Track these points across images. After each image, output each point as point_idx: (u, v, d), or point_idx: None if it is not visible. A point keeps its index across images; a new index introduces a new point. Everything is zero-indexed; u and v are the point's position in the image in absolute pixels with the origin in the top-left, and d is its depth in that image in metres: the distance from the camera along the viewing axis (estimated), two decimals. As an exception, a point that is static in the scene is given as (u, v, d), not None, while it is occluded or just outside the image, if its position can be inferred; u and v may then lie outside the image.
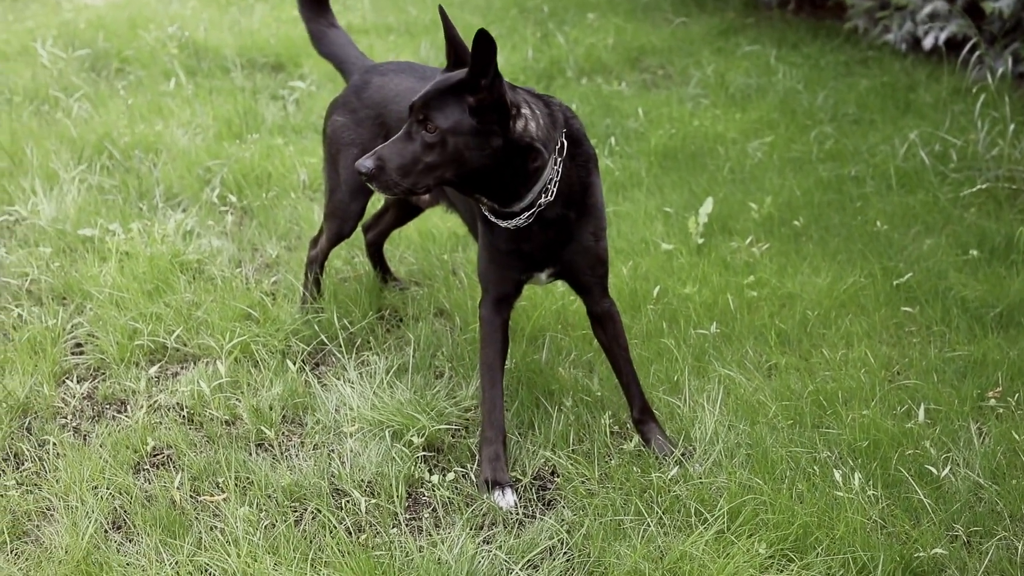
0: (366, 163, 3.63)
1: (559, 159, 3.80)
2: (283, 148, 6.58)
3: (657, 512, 3.73)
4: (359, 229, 5.12)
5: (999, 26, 7.65)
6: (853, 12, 8.87)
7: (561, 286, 4.89)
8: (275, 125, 7.00)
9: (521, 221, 3.82)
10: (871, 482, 3.86)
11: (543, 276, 4.05)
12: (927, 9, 8.18)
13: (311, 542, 3.63)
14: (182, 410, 4.41)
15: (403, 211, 5.15)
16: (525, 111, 3.70)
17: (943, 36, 8.09)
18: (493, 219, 3.87)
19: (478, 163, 3.64)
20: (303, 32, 8.40)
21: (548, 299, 5.02)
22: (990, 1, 7.43)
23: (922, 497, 3.76)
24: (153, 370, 4.62)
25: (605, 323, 4.14)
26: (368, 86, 4.62)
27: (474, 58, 3.54)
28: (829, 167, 6.51)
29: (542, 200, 3.79)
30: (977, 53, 7.56)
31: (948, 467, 3.90)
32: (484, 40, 3.47)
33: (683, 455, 4.05)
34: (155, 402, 4.44)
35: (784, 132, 7.03)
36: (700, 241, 5.62)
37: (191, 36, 8.35)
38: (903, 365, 4.66)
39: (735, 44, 8.83)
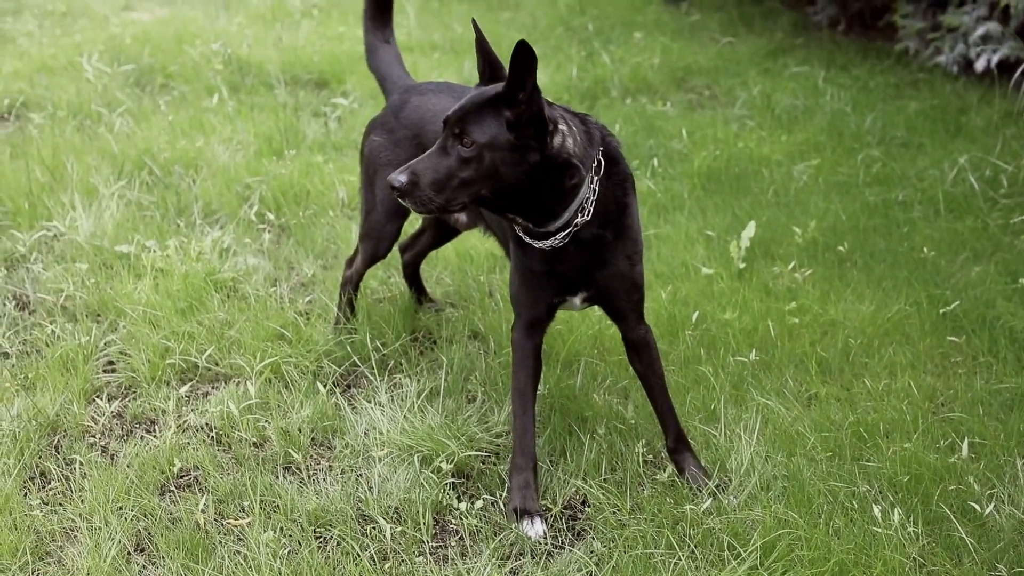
0: (399, 178, 3.54)
1: (595, 178, 3.72)
2: (323, 166, 6.55)
3: (689, 545, 3.63)
4: (395, 250, 5.07)
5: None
6: (904, 33, 8.73)
7: (597, 310, 4.80)
8: (315, 142, 6.97)
9: (556, 241, 3.74)
10: (911, 518, 3.75)
11: (577, 301, 3.96)
12: (980, 31, 8.03)
13: (335, 569, 3.57)
14: (211, 431, 4.36)
15: (440, 232, 5.10)
16: (562, 127, 3.62)
17: (995, 58, 7.94)
18: (527, 239, 3.79)
19: (514, 179, 3.56)
20: (347, 49, 8.45)
21: (584, 324, 4.95)
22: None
23: (964, 535, 3.64)
24: (184, 389, 4.59)
25: (641, 350, 4.05)
26: (406, 106, 4.56)
27: (512, 71, 3.46)
28: (876, 191, 6.39)
29: (578, 220, 3.71)
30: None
31: (992, 504, 3.79)
32: (524, 52, 3.39)
33: (718, 486, 3.95)
34: (184, 422, 4.40)
35: (830, 155, 6.92)
36: (742, 266, 5.52)
37: (235, 52, 8.35)
38: (948, 397, 4.54)
39: (783, 65, 8.71)
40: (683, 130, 7.21)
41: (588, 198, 3.71)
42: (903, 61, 8.74)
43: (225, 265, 5.39)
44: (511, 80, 3.49)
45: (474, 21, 3.77)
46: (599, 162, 3.74)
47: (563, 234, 3.72)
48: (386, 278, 5.44)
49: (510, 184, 3.57)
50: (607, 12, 10.41)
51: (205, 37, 8.91)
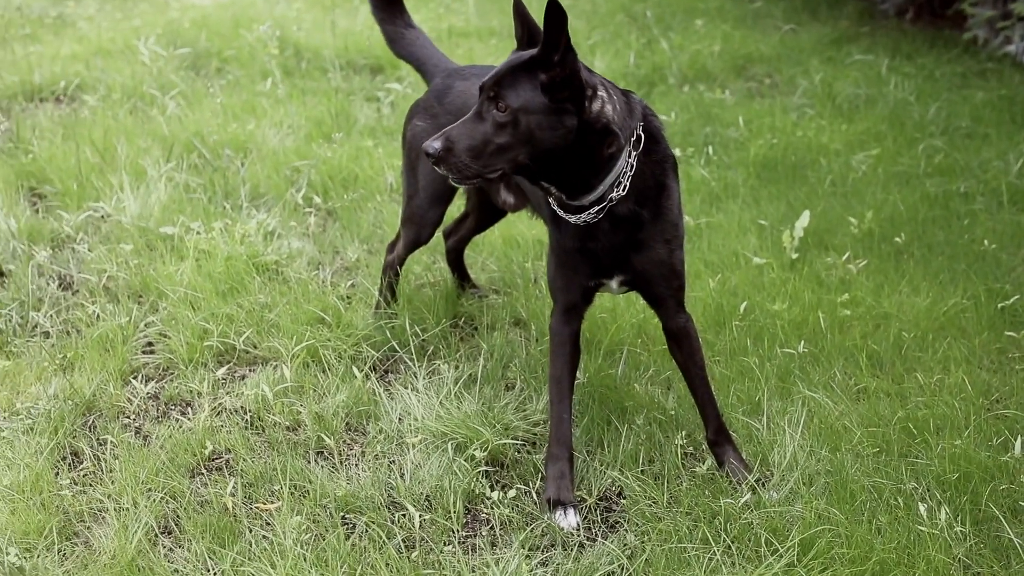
0: (434, 144, 3.44)
1: (634, 153, 3.61)
2: (372, 150, 6.49)
3: (725, 540, 3.52)
4: (439, 235, 4.99)
5: None
6: (973, 22, 8.51)
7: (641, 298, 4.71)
8: (366, 127, 6.92)
9: (591, 216, 3.63)
10: (959, 518, 3.60)
11: (614, 284, 3.85)
12: (1051, 19, 7.81)
13: (360, 556, 3.50)
14: (245, 414, 4.31)
15: (485, 216, 5.01)
16: (602, 93, 3.52)
17: (1067, 48, 7.72)
18: (562, 213, 3.69)
19: (551, 144, 3.46)
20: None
21: (629, 311, 4.84)
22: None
23: (1013, 537, 3.50)
24: (221, 372, 4.55)
25: (681, 340, 3.94)
26: (450, 91, 4.47)
27: (545, 32, 3.37)
28: (936, 182, 6.21)
29: (613, 194, 3.60)
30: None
31: (1045, 505, 3.64)
32: (555, 11, 3.30)
33: (758, 480, 3.83)
34: (219, 405, 4.36)
35: (891, 145, 6.74)
36: (794, 256, 5.37)
37: (292, 37, 8.32)
38: (1003, 393, 4.38)
39: (846, 53, 8.53)
40: (740, 118, 7.07)
41: (625, 172, 3.60)
42: (971, 51, 8.52)
43: (269, 248, 5.35)
44: (545, 42, 3.40)
45: None
46: (639, 137, 3.63)
47: (598, 208, 3.61)
48: (430, 263, 5.37)
49: (547, 149, 3.47)
50: (668, -1, 10.28)
51: (263, 21, 8.88)
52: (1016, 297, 4.94)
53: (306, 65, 8.05)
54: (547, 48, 3.40)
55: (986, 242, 5.47)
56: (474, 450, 3.93)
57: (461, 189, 4.79)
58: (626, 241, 3.71)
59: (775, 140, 6.75)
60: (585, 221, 3.64)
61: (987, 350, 4.67)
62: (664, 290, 3.84)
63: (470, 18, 9.50)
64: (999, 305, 4.93)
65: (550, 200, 3.71)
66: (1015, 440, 3.97)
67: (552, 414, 3.86)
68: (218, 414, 4.31)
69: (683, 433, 4.04)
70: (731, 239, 5.58)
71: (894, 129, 6.99)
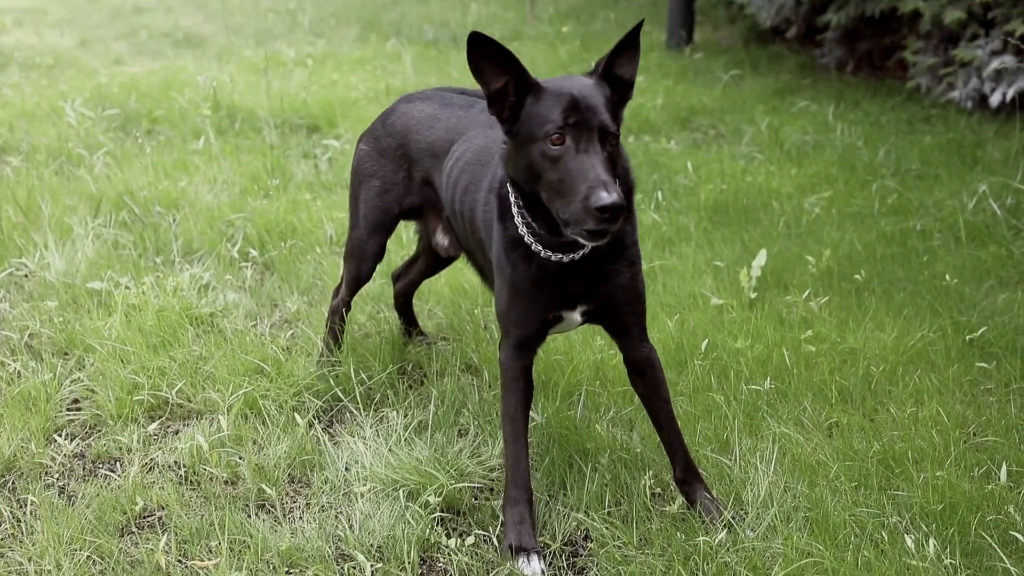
0: (615, 198, 3.02)
1: None
2: (311, 203, 6.23)
3: (702, 581, 3.26)
4: (389, 280, 4.74)
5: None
6: (915, 70, 8.46)
7: (596, 334, 4.47)
8: (304, 182, 6.67)
9: (587, 250, 3.40)
10: (948, 549, 3.37)
11: (577, 316, 3.59)
12: (994, 64, 7.75)
13: (307, 612, 3.20)
14: (179, 469, 4.00)
15: (435, 259, 4.77)
16: None
17: (1011, 92, 7.65)
18: (545, 253, 3.42)
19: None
20: (340, 94, 8.19)
21: (585, 352, 4.60)
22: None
23: (1008, 566, 3.27)
24: (152, 427, 4.23)
25: (644, 371, 3.69)
26: (394, 112, 4.29)
27: (624, 66, 3.30)
28: (892, 221, 6.06)
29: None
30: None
31: (1036, 533, 3.42)
32: (634, 43, 3.29)
33: (733, 518, 3.57)
34: (150, 460, 4.04)
35: (843, 187, 6.60)
36: (753, 295, 5.17)
37: (226, 99, 8.09)
38: (980, 424, 4.17)
39: (790, 103, 8.43)
40: (688, 164, 6.91)
41: None
42: (914, 98, 8.46)
43: (203, 301, 5.06)
44: (626, 80, 3.32)
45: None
46: None
47: (593, 244, 3.27)
48: (374, 313, 5.11)
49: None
50: (608, 58, 10.15)
51: (195, 85, 8.64)
52: (984, 329, 4.77)
53: (240, 125, 7.79)
54: (626, 86, 3.28)
55: (947, 277, 5.30)
56: (428, 496, 3.65)
57: (405, 223, 4.56)
58: (598, 271, 3.48)
59: (724, 185, 6.58)
60: (572, 258, 3.41)
61: (959, 382, 4.48)
62: (630, 317, 3.61)
63: (407, 77, 9.32)
64: (967, 337, 4.75)
65: (528, 241, 3.44)
66: (998, 469, 3.77)
67: (508, 454, 3.58)
68: (150, 470, 4.00)
69: (650, 473, 3.79)
70: (687, 281, 5.38)
71: (845, 172, 6.86)
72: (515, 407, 3.60)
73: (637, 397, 3.85)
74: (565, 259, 3.42)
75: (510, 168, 3.33)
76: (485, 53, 3.22)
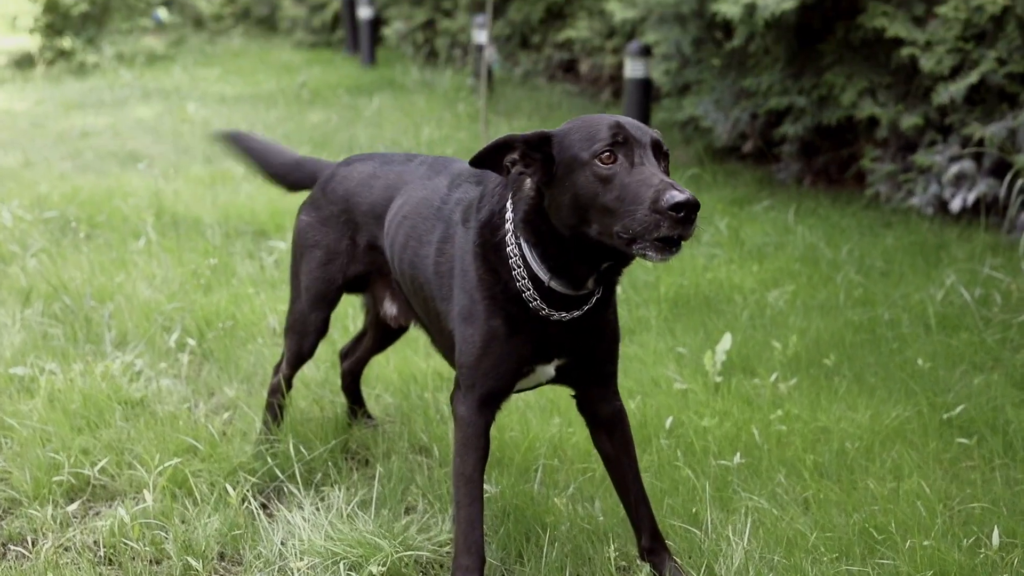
0: (689, 194, 2.84)
1: None
2: (253, 296, 5.94)
3: (674, 650, 2.94)
4: (336, 357, 4.45)
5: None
6: (874, 177, 8.35)
7: (555, 411, 4.19)
8: (247, 277, 6.38)
9: (591, 304, 3.22)
10: (942, 617, 3.07)
11: (550, 369, 3.32)
12: (953, 170, 7.65)
13: None
14: (99, 549, 3.64)
15: (382, 332, 4.48)
16: None
17: (972, 197, 7.54)
18: (546, 311, 3.17)
19: None
20: (290, 204, 7.93)
21: (543, 429, 4.30)
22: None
23: (1012, 631, 2.98)
24: (72, 507, 3.88)
25: (613, 428, 3.41)
26: (333, 178, 4.04)
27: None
28: (859, 311, 5.85)
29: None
30: (1008, 216, 7.05)
31: (1037, 600, 3.13)
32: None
33: (706, 590, 3.27)
34: (68, 540, 3.68)
35: (807, 281, 6.40)
36: (718, 379, 4.92)
37: (169, 207, 7.83)
38: (964, 498, 3.90)
39: (748, 210, 8.27)
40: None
41: None
42: (874, 205, 8.31)
43: (134, 386, 4.74)
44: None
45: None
46: None
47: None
48: (318, 396, 4.80)
49: None
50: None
51: (139, 194, 8.38)
52: (961, 407, 4.53)
53: (185, 230, 7.50)
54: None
55: (920, 361, 5.08)
56: (372, 567, 3.32)
57: (354, 297, 4.30)
58: (587, 323, 3.25)
59: (685, 280, 6.36)
60: (571, 315, 3.19)
61: (939, 459, 4.22)
62: (609, 366, 3.37)
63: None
64: (944, 415, 4.51)
65: (529, 299, 3.19)
66: (987, 538, 3.50)
67: (460, 519, 3.26)
68: (66, 550, 3.64)
69: (615, 546, 3.48)
70: (649, 366, 5.11)
71: (808, 268, 6.66)
72: (473, 467, 3.29)
73: (601, 466, 3.56)
74: (565, 318, 3.17)
75: (551, 214, 3.06)
76: (487, 164, 3.08)
